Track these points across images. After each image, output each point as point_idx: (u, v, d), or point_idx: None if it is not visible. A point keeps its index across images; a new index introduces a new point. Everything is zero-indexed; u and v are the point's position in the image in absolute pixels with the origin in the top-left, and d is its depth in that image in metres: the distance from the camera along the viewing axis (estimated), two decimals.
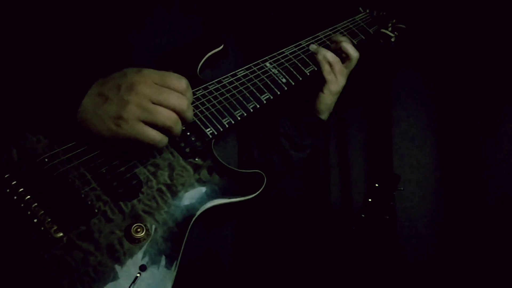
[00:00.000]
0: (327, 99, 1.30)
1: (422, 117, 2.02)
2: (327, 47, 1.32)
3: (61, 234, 0.87)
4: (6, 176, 0.89)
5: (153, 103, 0.90)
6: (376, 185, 1.49)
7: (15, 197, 0.88)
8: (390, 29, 1.50)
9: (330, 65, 1.25)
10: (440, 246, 1.95)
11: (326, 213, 2.04)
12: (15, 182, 0.89)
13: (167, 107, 0.91)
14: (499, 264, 1.81)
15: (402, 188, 1.52)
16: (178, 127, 0.94)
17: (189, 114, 0.95)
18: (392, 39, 1.51)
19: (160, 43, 1.16)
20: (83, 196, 0.93)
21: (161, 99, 0.90)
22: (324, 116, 1.35)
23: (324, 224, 2.03)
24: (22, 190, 0.88)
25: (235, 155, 1.27)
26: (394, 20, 1.52)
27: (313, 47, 1.30)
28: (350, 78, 1.38)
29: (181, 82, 0.93)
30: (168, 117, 0.90)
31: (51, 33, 1.06)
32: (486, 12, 1.89)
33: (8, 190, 0.88)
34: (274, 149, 1.35)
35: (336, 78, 1.27)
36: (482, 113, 1.91)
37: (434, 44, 1.99)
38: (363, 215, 1.48)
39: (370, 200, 1.48)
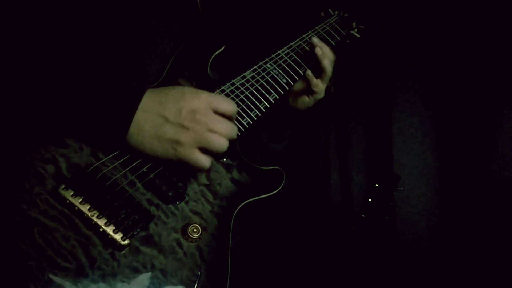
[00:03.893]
0: (310, 103, 1.40)
1: (422, 117, 2.02)
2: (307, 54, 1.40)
3: (128, 241, 0.90)
4: (62, 187, 0.90)
5: (209, 130, 0.96)
6: (376, 185, 1.49)
7: (76, 208, 0.90)
8: (356, 30, 1.57)
9: (326, 72, 1.35)
10: (440, 246, 1.95)
11: (326, 213, 2.04)
12: (72, 193, 0.90)
13: (221, 134, 0.98)
14: (499, 264, 1.81)
15: (402, 188, 1.52)
16: (225, 150, 1.00)
17: (235, 137, 1.02)
18: (357, 40, 1.57)
19: (158, 43, 1.17)
20: (137, 202, 0.96)
21: (216, 129, 0.97)
22: (300, 112, 1.44)
23: (324, 224, 2.03)
24: (81, 201, 0.90)
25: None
26: (355, 21, 1.58)
27: (318, 50, 1.36)
28: (350, 78, 1.43)
29: (233, 107, 1.01)
30: (221, 144, 0.97)
31: (50, 32, 1.06)
32: (487, 11, 1.89)
33: (68, 202, 0.89)
34: (255, 143, 1.43)
35: (323, 87, 1.38)
36: (482, 113, 1.91)
37: (434, 44, 1.99)
38: (363, 215, 1.48)
39: (370, 200, 1.48)
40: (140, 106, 0.94)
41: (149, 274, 0.92)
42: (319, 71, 1.35)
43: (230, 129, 0.99)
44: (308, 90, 1.37)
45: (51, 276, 0.85)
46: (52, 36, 1.06)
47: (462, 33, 1.93)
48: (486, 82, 1.92)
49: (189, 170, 1.02)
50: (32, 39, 1.02)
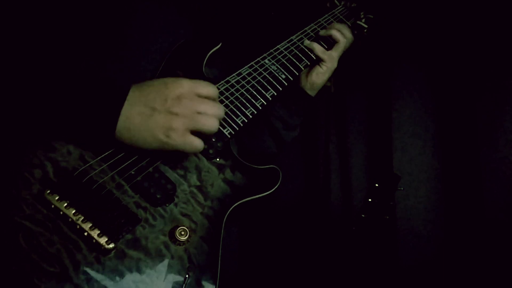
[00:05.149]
0: (325, 74, 1.40)
1: (423, 117, 2.02)
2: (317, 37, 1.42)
3: (113, 244, 0.89)
4: (48, 192, 0.90)
5: (198, 113, 0.96)
6: (376, 185, 1.49)
7: (61, 213, 0.89)
8: (364, 20, 1.54)
9: (339, 43, 1.38)
10: (440, 246, 1.95)
11: (326, 213, 2.04)
12: (58, 197, 0.90)
13: (209, 115, 0.97)
14: (498, 264, 1.81)
15: (402, 188, 1.52)
16: (216, 130, 1.00)
17: (223, 115, 1.03)
18: (365, 30, 1.54)
19: (158, 43, 1.18)
20: (124, 205, 0.96)
21: (204, 110, 0.97)
22: (313, 94, 1.44)
23: (324, 224, 2.03)
24: (66, 205, 0.90)
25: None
26: (364, 11, 1.56)
27: (322, 32, 1.41)
28: (350, 77, 1.43)
29: (213, 89, 1.01)
30: (212, 124, 0.97)
31: (49, 32, 1.06)
32: (486, 12, 1.89)
33: (53, 206, 0.89)
34: (267, 132, 1.42)
35: (336, 55, 1.40)
36: (482, 113, 1.92)
37: (435, 45, 1.99)
38: (363, 215, 1.48)
39: (370, 200, 1.48)
40: (126, 101, 0.93)
41: (167, 261, 0.93)
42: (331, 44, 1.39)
43: (217, 109, 0.99)
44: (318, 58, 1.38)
45: (85, 268, 0.86)
46: (51, 36, 1.06)
47: (461, 33, 1.93)
48: (486, 82, 1.92)
49: (184, 155, 1.02)
50: (29, 39, 1.02)
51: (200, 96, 0.98)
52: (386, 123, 2.00)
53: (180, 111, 0.94)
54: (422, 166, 1.99)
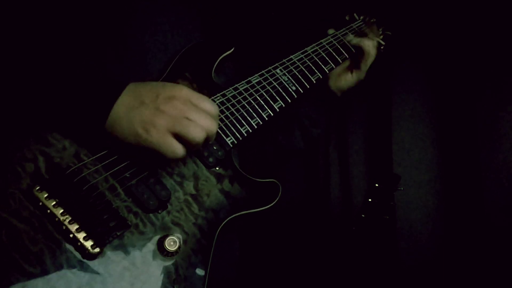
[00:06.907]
0: (353, 82, 1.48)
1: (423, 117, 2.02)
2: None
3: (98, 249, 0.86)
4: (37, 189, 0.86)
5: (186, 118, 0.91)
6: (376, 185, 1.49)
7: (48, 211, 0.86)
8: (382, 37, 1.53)
9: (369, 55, 1.45)
10: (440, 246, 1.95)
11: (326, 213, 2.04)
12: (47, 195, 0.87)
13: (197, 125, 0.92)
14: (499, 264, 1.81)
15: (402, 188, 1.53)
16: (201, 144, 0.94)
17: (214, 136, 0.97)
18: (382, 47, 1.53)
19: (161, 43, 1.17)
20: (115, 208, 0.92)
21: (195, 118, 0.91)
22: (339, 94, 1.51)
23: (324, 224, 2.03)
24: (55, 204, 0.86)
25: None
26: (382, 27, 1.55)
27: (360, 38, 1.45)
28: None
29: (214, 108, 0.95)
30: (197, 133, 0.91)
31: (49, 32, 1.06)
32: (487, 12, 1.89)
33: (40, 204, 0.86)
34: (297, 129, 1.47)
35: (365, 68, 1.47)
36: (482, 113, 1.91)
37: (435, 45, 1.99)
38: (363, 215, 1.48)
39: (370, 200, 1.48)
40: (121, 95, 0.91)
41: (153, 271, 0.89)
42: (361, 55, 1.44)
43: (209, 122, 0.92)
44: (353, 65, 1.44)
45: (67, 272, 0.82)
46: (50, 36, 1.06)
47: (461, 33, 1.93)
48: (486, 82, 1.92)
49: (161, 158, 0.94)
50: (30, 38, 1.02)
51: (196, 107, 0.93)
52: (386, 123, 2.00)
53: (168, 110, 0.89)
54: (422, 166, 1.99)
